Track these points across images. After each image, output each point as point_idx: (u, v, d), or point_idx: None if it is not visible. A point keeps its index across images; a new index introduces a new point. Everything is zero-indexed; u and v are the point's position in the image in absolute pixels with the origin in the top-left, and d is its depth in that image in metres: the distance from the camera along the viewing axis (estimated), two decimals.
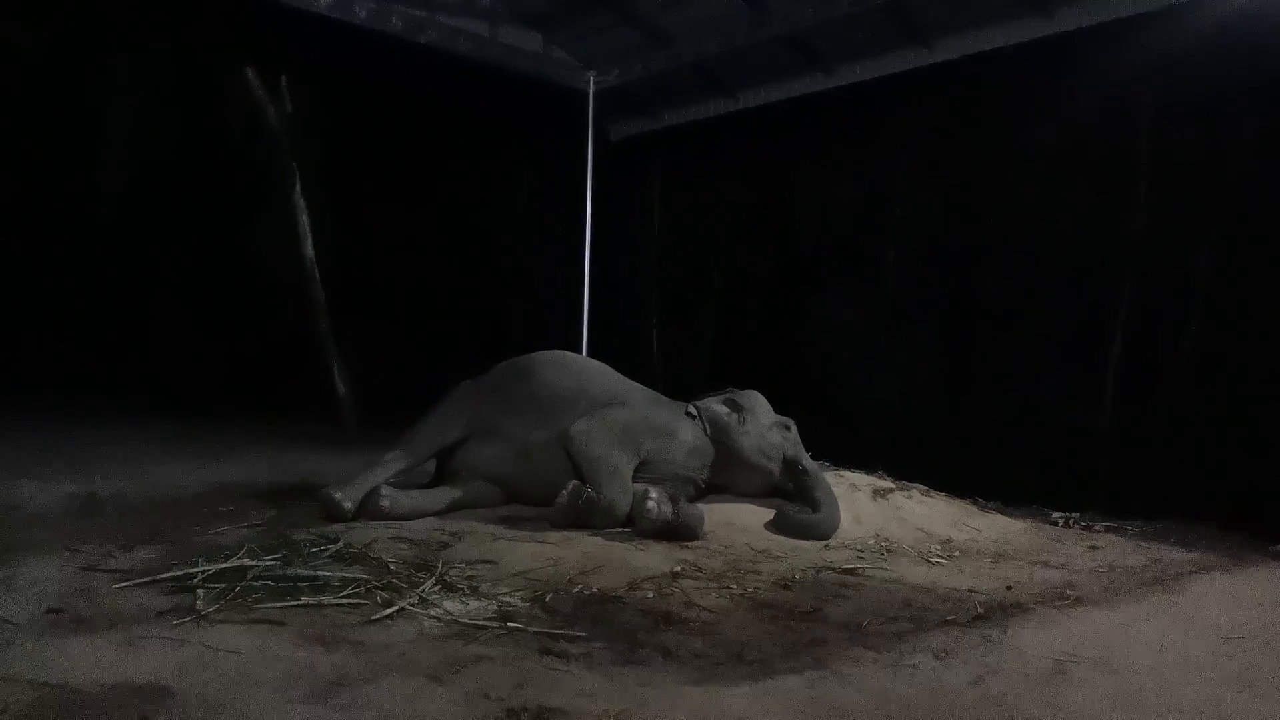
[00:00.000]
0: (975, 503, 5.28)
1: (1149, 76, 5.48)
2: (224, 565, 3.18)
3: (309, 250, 7.92)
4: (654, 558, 3.70)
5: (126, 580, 3.01)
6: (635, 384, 4.96)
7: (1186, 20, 5.26)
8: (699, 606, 3.11)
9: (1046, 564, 4.11)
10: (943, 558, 4.12)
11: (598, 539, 3.94)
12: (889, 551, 4.18)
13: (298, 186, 7.83)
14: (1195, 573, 4.00)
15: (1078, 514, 5.32)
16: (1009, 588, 3.57)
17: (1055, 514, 5.35)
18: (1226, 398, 5.15)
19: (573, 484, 4.20)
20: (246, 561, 3.24)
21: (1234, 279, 5.17)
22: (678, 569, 3.55)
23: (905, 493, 4.96)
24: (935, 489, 5.13)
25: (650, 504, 4.06)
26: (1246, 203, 5.12)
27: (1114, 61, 5.60)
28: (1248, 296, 5.11)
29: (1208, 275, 5.29)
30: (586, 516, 4.12)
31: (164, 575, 3.07)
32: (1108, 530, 5.02)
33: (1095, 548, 4.55)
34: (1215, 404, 5.19)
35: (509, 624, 2.78)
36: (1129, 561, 4.23)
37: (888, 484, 5.04)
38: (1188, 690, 2.53)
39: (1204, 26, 5.19)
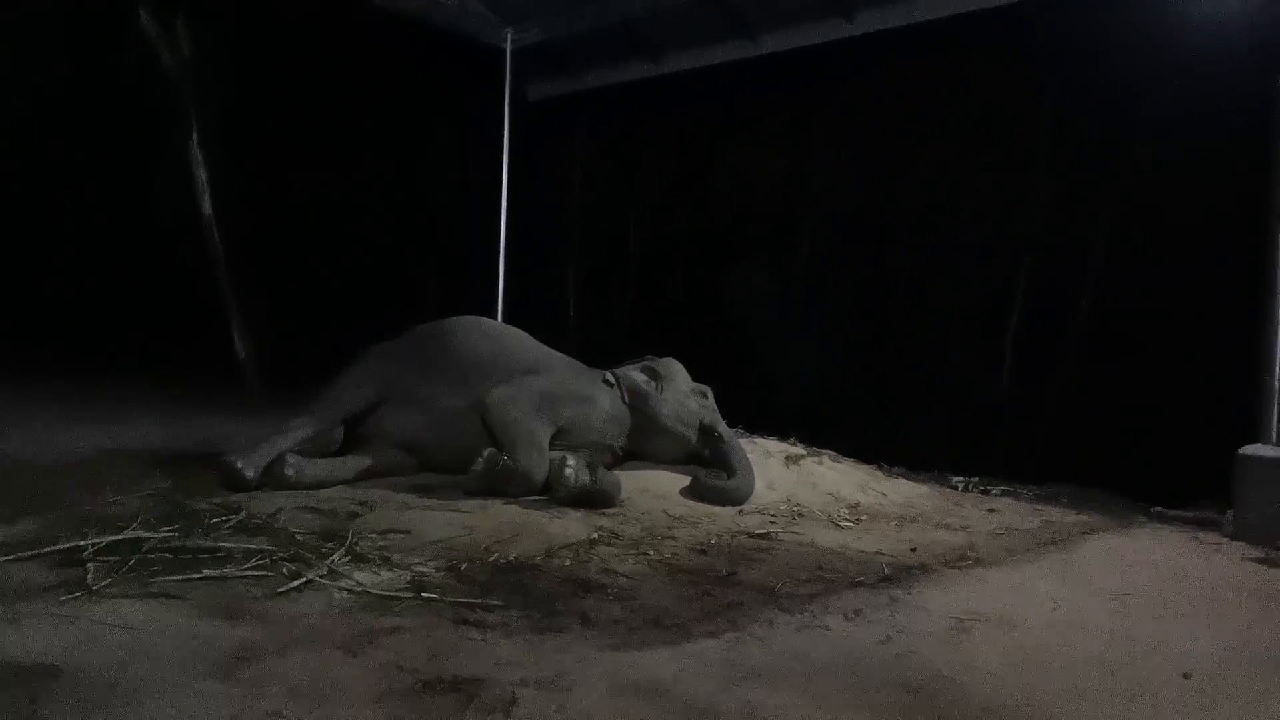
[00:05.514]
0: (881, 468, 5.46)
1: (1054, 59, 5.68)
2: (117, 537, 3.02)
3: (206, 205, 7.52)
4: (571, 525, 3.69)
5: (9, 554, 2.83)
6: (553, 351, 4.92)
7: (1091, 7, 5.44)
8: (617, 573, 3.12)
9: (948, 526, 4.28)
10: (851, 521, 4.24)
11: (514, 507, 3.90)
12: (800, 516, 4.28)
13: (195, 137, 7.41)
14: (1085, 534, 4.25)
15: (977, 479, 5.56)
16: (913, 550, 3.71)
17: (956, 478, 5.58)
18: (1115, 371, 5.45)
19: (488, 451, 4.14)
20: (141, 533, 3.09)
21: (1126, 259, 5.45)
22: (595, 536, 3.55)
23: (816, 459, 5.09)
24: (844, 455, 5.28)
25: (568, 471, 4.04)
26: (1141, 186, 5.39)
27: (1023, 42, 5.78)
28: (1139, 276, 5.39)
29: (1102, 255, 5.56)
30: (502, 484, 4.07)
31: (50, 548, 2.90)
32: (1004, 494, 5.27)
33: (993, 510, 4.77)
34: (1104, 377, 5.49)
35: (423, 594, 2.73)
36: (1024, 524, 4.45)
37: (799, 450, 5.16)
38: (1079, 645, 2.68)
39: (1108, 14, 5.38)
